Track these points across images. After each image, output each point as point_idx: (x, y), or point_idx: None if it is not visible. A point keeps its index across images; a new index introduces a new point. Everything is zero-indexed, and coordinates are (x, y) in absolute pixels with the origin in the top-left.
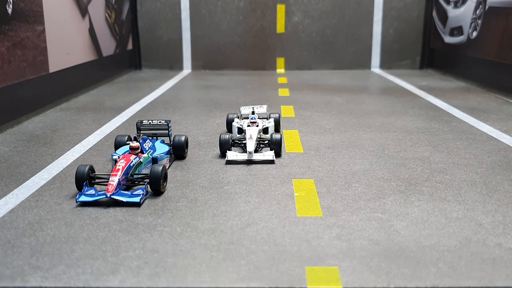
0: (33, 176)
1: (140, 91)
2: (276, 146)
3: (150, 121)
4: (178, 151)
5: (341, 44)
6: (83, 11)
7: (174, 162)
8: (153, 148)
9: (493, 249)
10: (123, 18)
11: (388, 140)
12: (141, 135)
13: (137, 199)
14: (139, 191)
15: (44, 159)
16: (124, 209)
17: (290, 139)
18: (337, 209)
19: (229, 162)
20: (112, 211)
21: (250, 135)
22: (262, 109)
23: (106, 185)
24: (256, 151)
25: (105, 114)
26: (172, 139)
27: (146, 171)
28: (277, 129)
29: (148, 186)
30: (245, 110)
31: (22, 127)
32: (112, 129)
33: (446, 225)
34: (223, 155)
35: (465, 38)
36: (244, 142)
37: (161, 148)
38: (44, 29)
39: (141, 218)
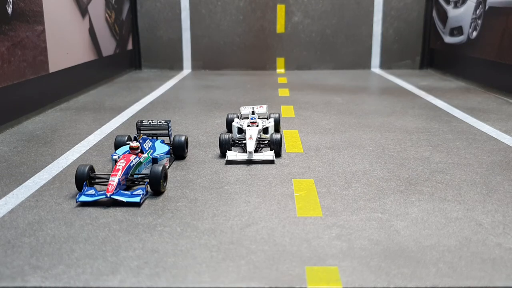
0: (33, 176)
1: (140, 91)
2: (276, 146)
3: (150, 121)
4: (178, 151)
5: (341, 44)
6: (83, 11)
7: (174, 162)
8: (153, 148)
9: (493, 249)
10: (123, 18)
11: (388, 140)
12: (141, 135)
13: (137, 199)
14: (139, 191)
15: (44, 159)
16: (124, 209)
17: (290, 139)
18: (337, 209)
19: (229, 162)
20: (112, 211)
21: (250, 135)
22: (262, 109)
23: (106, 185)
24: (256, 151)
25: (105, 114)
26: (172, 139)
27: (146, 171)
28: (277, 129)
29: (148, 186)
30: (245, 110)
31: (22, 127)
32: (112, 129)
33: (446, 225)
34: (223, 155)
35: (465, 38)
36: (244, 142)
37: (161, 148)
38: (44, 29)
39: (141, 218)
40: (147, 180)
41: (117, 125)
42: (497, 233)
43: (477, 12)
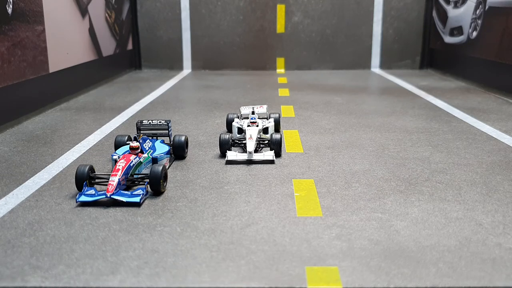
0: (33, 176)
1: (140, 91)
2: (276, 146)
3: (150, 121)
4: (178, 151)
5: (341, 44)
6: (83, 11)
7: (174, 162)
8: (153, 148)
9: (493, 249)
10: (123, 18)
11: (388, 140)
12: (141, 135)
13: (137, 199)
14: (139, 191)
15: (44, 159)
16: (124, 209)
17: (290, 139)
18: (337, 209)
19: (229, 162)
20: (112, 211)
21: (250, 135)
22: (262, 109)
23: (106, 185)
24: (256, 151)
25: (105, 114)
26: (172, 139)
27: (146, 171)
28: (277, 129)
29: (148, 186)
30: (245, 110)
31: (22, 127)
32: (112, 129)
33: (446, 225)
34: (223, 155)
35: (465, 38)
36: (244, 142)
37: (161, 148)
38: (44, 29)
39: (141, 218)
40: (147, 180)
41: (117, 125)
42: (497, 233)
43: (477, 12)
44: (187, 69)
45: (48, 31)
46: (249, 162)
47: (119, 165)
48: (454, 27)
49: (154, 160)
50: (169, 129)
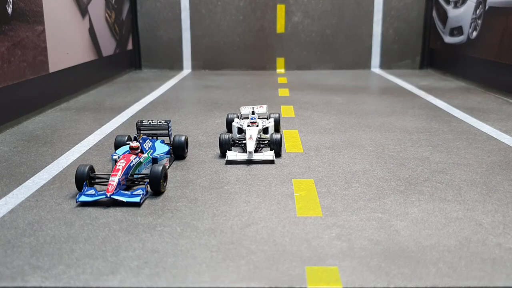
0: (33, 176)
1: (140, 91)
2: (276, 146)
3: (150, 121)
4: (178, 151)
5: (341, 44)
6: (83, 11)
7: (174, 162)
8: (153, 148)
9: (493, 249)
10: (123, 18)
11: (388, 140)
12: (141, 135)
13: (137, 199)
14: (139, 191)
15: (44, 159)
16: (124, 209)
17: (290, 139)
18: (337, 209)
19: (229, 162)
20: (112, 211)
21: (250, 135)
22: (262, 109)
23: (106, 185)
24: (256, 151)
25: (105, 114)
26: (172, 139)
27: (146, 171)
28: (277, 129)
29: (148, 186)
30: (245, 110)
31: (22, 127)
32: (112, 129)
33: (446, 225)
34: (223, 155)
35: (465, 38)
36: (244, 142)
37: (161, 148)
38: (44, 29)
39: (141, 218)
40: (147, 180)
41: (117, 125)
42: (497, 233)
43: (477, 12)
44: (187, 69)
45: (48, 31)
46: (249, 162)
47: (119, 165)
48: (454, 27)
49: (154, 160)
50: (169, 129)
